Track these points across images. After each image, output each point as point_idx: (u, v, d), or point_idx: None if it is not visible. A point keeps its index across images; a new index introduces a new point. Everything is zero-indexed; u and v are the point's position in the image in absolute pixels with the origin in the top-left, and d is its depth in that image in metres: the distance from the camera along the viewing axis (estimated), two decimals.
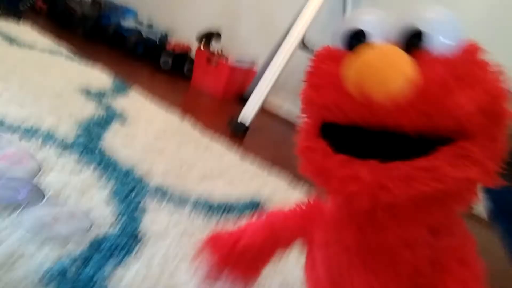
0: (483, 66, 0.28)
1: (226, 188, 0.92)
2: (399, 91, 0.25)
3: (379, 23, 0.29)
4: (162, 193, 0.77)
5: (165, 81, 1.88)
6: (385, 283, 0.33)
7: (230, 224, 0.77)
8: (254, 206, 0.86)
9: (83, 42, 1.98)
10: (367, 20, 0.29)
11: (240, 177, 1.02)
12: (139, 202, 0.71)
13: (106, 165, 0.78)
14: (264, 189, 0.99)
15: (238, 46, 2.06)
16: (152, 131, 1.09)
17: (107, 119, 1.03)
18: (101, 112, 1.06)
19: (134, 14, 2.20)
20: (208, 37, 1.95)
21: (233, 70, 1.85)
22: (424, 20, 0.27)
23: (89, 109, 1.06)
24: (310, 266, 0.45)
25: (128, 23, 2.08)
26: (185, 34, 2.16)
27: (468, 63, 0.27)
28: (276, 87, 1.87)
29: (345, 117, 0.29)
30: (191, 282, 0.56)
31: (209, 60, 1.89)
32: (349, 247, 0.34)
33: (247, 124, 1.40)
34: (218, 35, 1.97)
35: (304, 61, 1.50)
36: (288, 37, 1.52)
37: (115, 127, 1.01)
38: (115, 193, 0.70)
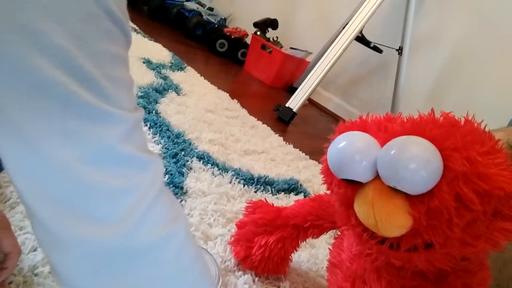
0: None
1: (268, 164, 0.95)
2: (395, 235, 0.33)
3: (362, 173, 0.32)
4: (207, 157, 0.81)
5: (219, 64, 1.94)
6: (394, 277, 0.39)
7: (268, 196, 0.80)
8: (293, 183, 0.88)
9: (147, 20, 2.09)
10: (351, 172, 0.33)
11: (282, 157, 1.04)
12: (187, 161, 0.76)
13: (160, 125, 0.84)
14: (305, 171, 1.01)
15: (293, 36, 2.08)
16: (204, 104, 1.14)
17: (165, 87, 1.09)
18: (159, 81, 1.13)
19: None
20: (265, 24, 1.98)
21: (286, 58, 1.87)
22: (400, 179, 0.30)
23: (149, 77, 1.13)
24: (338, 243, 0.48)
25: (191, 4, 2.17)
26: (243, 20, 2.21)
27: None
28: (327, 81, 1.87)
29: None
30: (228, 235, 0.60)
31: (263, 46, 1.92)
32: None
33: (294, 110, 1.41)
34: (275, 23, 1.99)
35: (359, 56, 1.50)
36: (346, 28, 1.50)
37: (171, 95, 1.07)
38: (166, 149, 0.75)
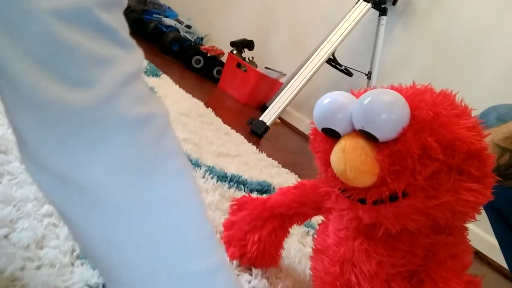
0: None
1: (241, 167, 0.94)
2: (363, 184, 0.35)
3: (339, 123, 0.35)
4: None
5: (194, 78, 1.95)
6: (383, 256, 0.39)
7: (241, 194, 0.78)
8: (266, 186, 0.87)
9: None
10: (331, 122, 0.36)
11: (255, 162, 1.04)
12: None
13: None
14: (277, 177, 1.01)
15: (268, 58, 2.13)
16: (178, 108, 1.13)
17: None
18: None
19: (175, 16, 2.31)
20: (242, 44, 2.03)
21: (261, 77, 1.91)
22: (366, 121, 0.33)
23: None
24: (322, 229, 0.48)
25: (169, 21, 2.19)
26: (219, 42, 2.25)
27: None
28: (299, 103, 1.92)
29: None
30: None
31: (239, 65, 1.96)
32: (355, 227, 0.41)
33: (268, 124, 1.43)
34: (251, 44, 2.05)
35: (330, 79, 1.57)
36: (318, 50, 1.57)
37: None
38: None
